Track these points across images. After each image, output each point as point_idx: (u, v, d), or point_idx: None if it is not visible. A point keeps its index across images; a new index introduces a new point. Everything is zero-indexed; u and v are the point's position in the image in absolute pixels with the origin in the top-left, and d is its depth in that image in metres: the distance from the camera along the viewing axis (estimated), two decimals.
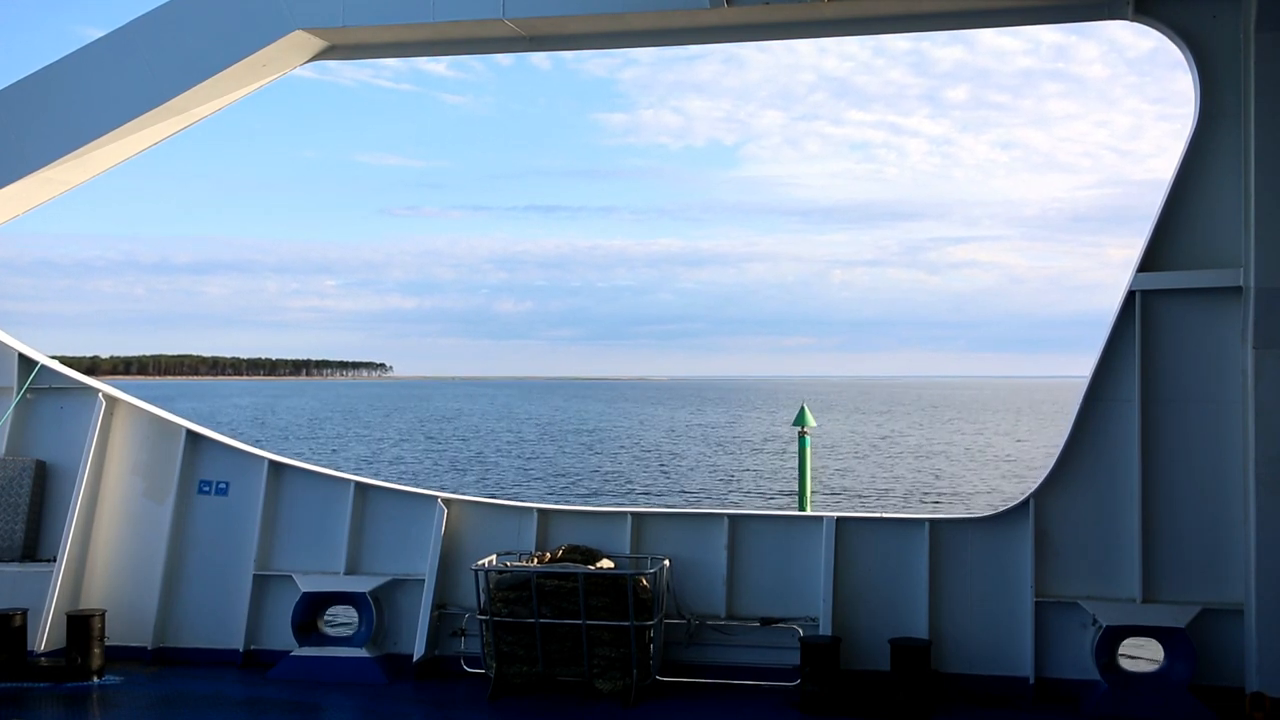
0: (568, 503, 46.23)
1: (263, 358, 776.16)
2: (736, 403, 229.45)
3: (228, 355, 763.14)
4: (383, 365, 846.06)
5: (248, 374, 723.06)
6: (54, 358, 16.82)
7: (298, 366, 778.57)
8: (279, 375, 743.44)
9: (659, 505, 52.93)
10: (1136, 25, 13.66)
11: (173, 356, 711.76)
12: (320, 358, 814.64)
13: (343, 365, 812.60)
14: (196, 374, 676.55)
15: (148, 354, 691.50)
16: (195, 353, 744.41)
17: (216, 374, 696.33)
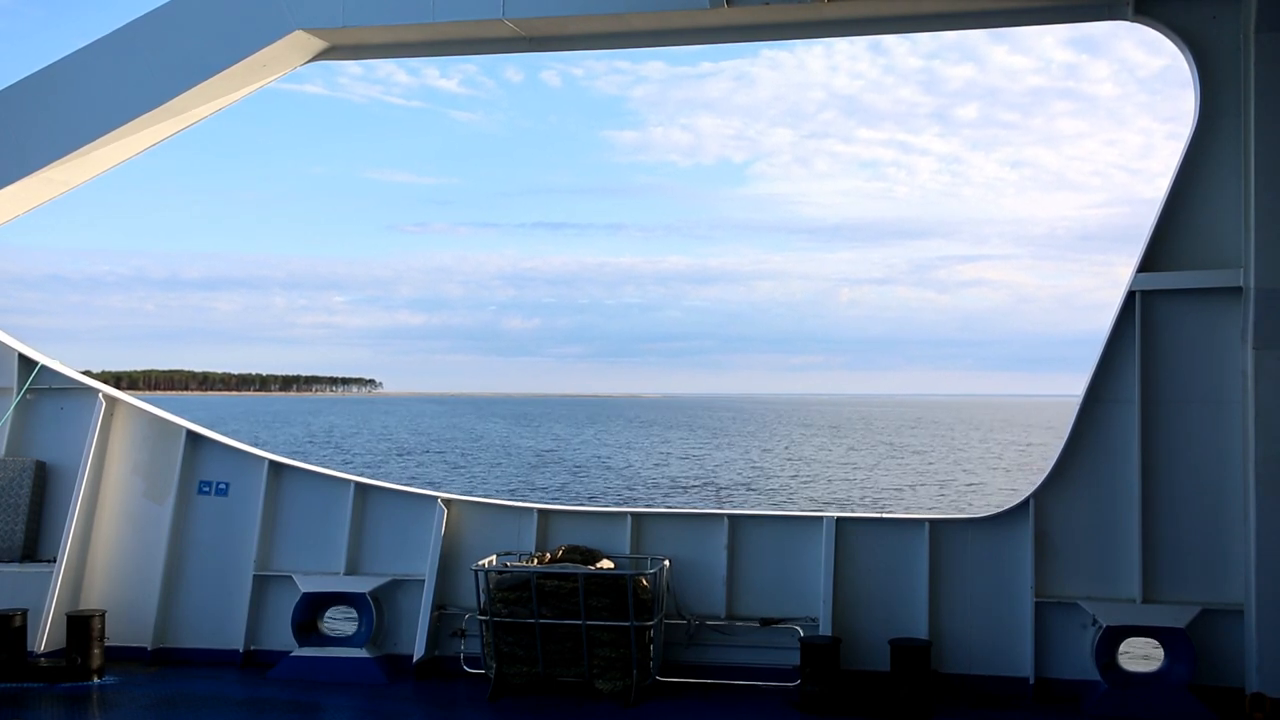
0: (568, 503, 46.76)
1: (253, 373, 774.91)
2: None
3: (218, 371, 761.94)
4: (372, 381, 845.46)
5: (238, 389, 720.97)
6: None
7: (288, 382, 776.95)
8: (269, 391, 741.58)
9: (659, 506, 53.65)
10: (1137, 26, 13.72)
11: (163, 372, 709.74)
12: (317, 374, 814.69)
13: (332, 381, 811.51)
14: (186, 389, 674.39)
15: (138, 369, 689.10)
16: (186, 368, 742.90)
17: (206, 389, 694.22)
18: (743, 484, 75.01)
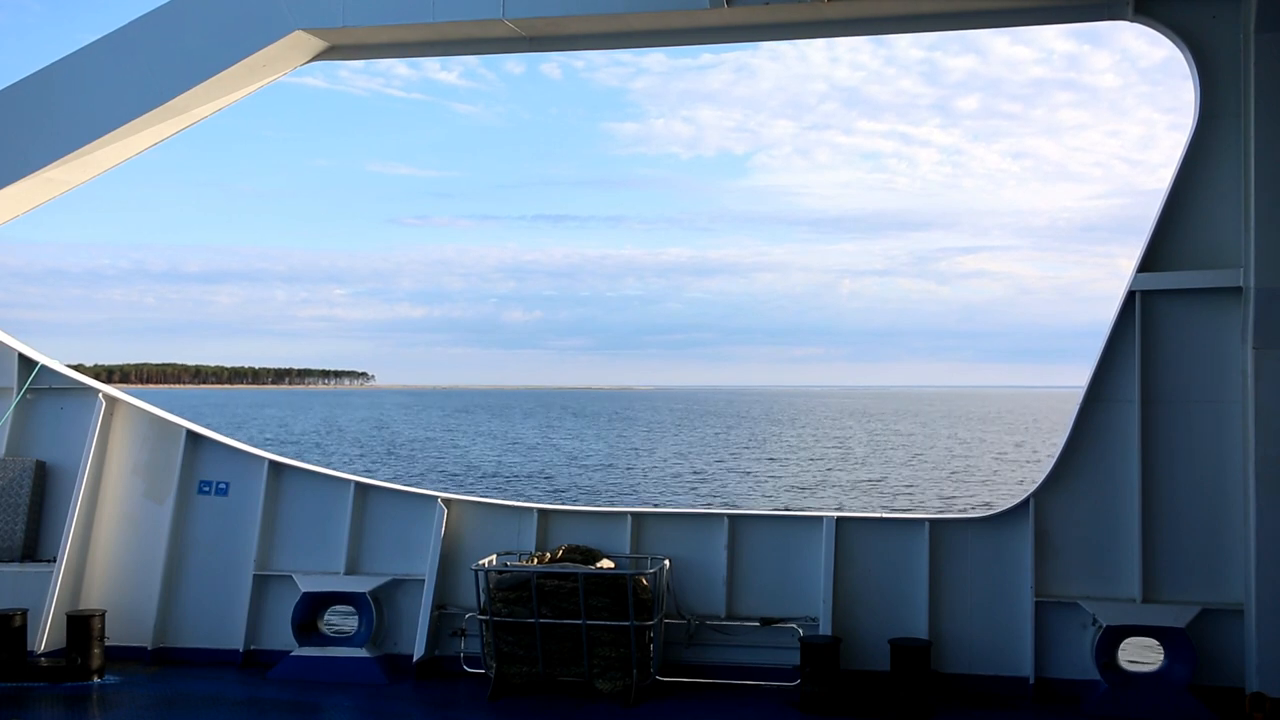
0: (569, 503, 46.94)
1: (245, 366, 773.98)
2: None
3: (213, 364, 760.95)
4: (364, 374, 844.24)
5: (231, 383, 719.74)
6: None
7: (280, 375, 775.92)
8: (262, 384, 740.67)
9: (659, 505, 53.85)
10: (1137, 25, 13.72)
11: (156, 365, 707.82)
12: (312, 367, 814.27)
13: (324, 374, 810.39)
14: (180, 382, 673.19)
15: (130, 363, 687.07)
16: (180, 361, 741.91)
17: (199, 383, 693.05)
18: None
